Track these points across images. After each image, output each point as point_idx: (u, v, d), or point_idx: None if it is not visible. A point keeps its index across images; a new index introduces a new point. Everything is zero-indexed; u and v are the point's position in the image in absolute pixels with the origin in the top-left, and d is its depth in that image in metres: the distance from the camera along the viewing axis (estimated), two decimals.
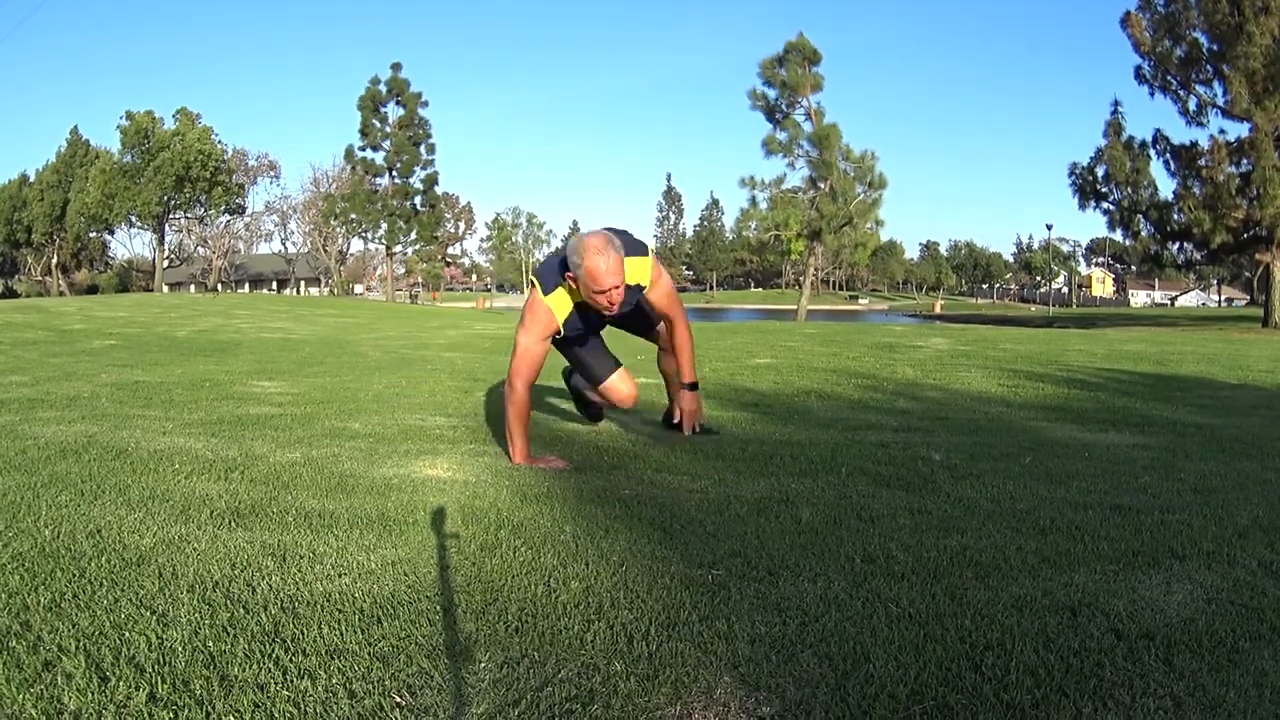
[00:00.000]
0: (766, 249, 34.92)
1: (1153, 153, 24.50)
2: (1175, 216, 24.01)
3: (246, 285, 65.93)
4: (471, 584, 1.80)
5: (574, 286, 2.97)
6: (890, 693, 1.34)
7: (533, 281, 3.08)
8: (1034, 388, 5.50)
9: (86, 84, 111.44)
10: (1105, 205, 25.67)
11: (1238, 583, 1.79)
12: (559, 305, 3.02)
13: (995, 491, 2.64)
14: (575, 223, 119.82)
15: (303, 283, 68.38)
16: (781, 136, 31.48)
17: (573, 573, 1.86)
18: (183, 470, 2.81)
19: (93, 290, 52.36)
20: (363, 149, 44.63)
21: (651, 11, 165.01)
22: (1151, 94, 24.00)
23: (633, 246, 3.01)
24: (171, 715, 1.27)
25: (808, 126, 31.27)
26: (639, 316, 3.37)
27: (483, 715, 1.29)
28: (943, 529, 2.22)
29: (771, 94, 31.55)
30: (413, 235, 46.31)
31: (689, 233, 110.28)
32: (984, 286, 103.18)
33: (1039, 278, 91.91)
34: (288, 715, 1.28)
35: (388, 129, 44.42)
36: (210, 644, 1.48)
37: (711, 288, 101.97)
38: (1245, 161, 22.14)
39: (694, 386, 3.37)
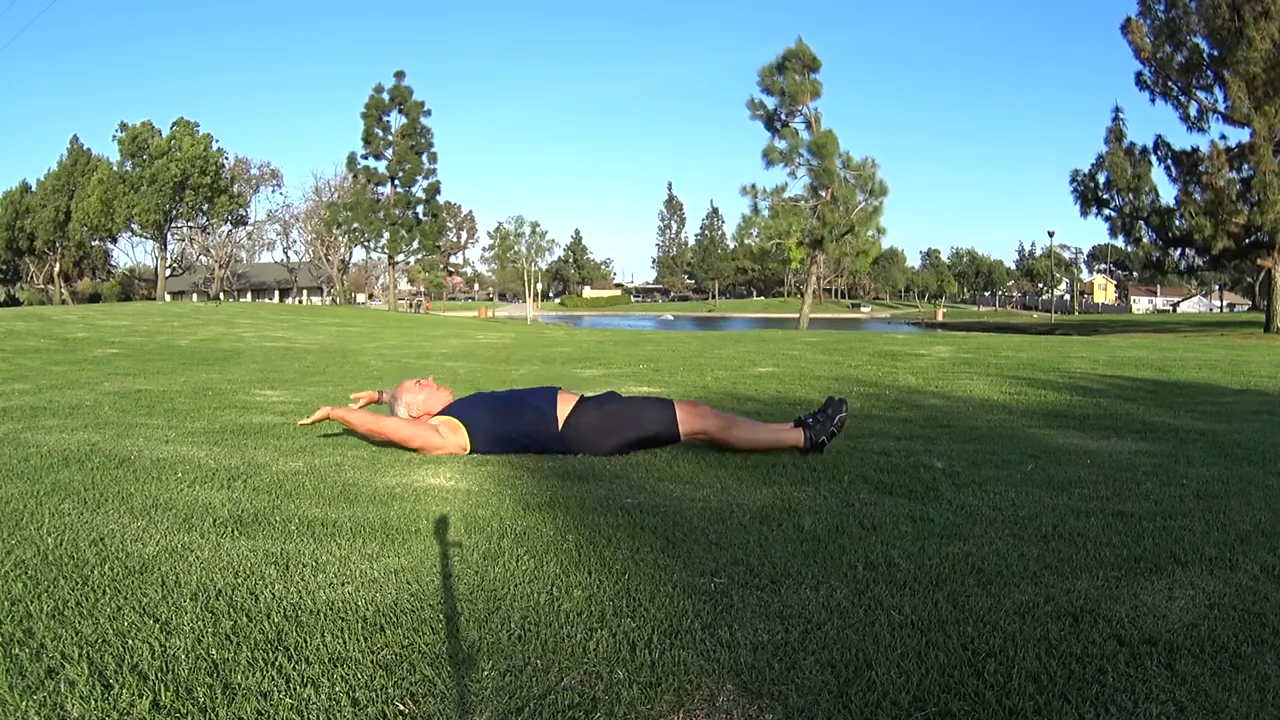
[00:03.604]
0: (768, 257, 34.97)
1: (1154, 159, 24.55)
2: (1177, 222, 24.03)
3: (249, 294, 66.06)
4: (474, 592, 1.80)
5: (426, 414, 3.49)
6: (893, 700, 1.34)
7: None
8: (1036, 395, 5.50)
9: (88, 93, 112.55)
10: (1107, 212, 25.71)
11: (1240, 588, 1.79)
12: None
13: (997, 499, 2.64)
14: (577, 231, 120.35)
15: (305, 292, 68.50)
16: (781, 145, 31.54)
17: (575, 581, 1.87)
18: (185, 479, 2.81)
19: (95, 298, 52.53)
20: (365, 157, 44.80)
21: (652, 21, 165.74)
22: (1152, 100, 24.09)
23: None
24: None
25: (807, 135, 31.33)
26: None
27: None
28: (945, 536, 2.22)
29: (771, 102, 31.63)
30: (415, 244, 46.44)
31: (690, 241, 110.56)
32: (986, 294, 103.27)
33: (1041, 285, 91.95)
34: None
35: (390, 137, 44.58)
36: (213, 652, 1.49)
37: (713, 296, 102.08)
38: (1246, 167, 22.17)
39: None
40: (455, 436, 3.34)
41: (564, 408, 3.36)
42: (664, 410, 3.35)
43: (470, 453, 3.35)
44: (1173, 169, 24.16)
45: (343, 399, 5.39)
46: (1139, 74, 23.92)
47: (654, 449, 3.38)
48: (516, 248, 63.59)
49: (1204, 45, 22.57)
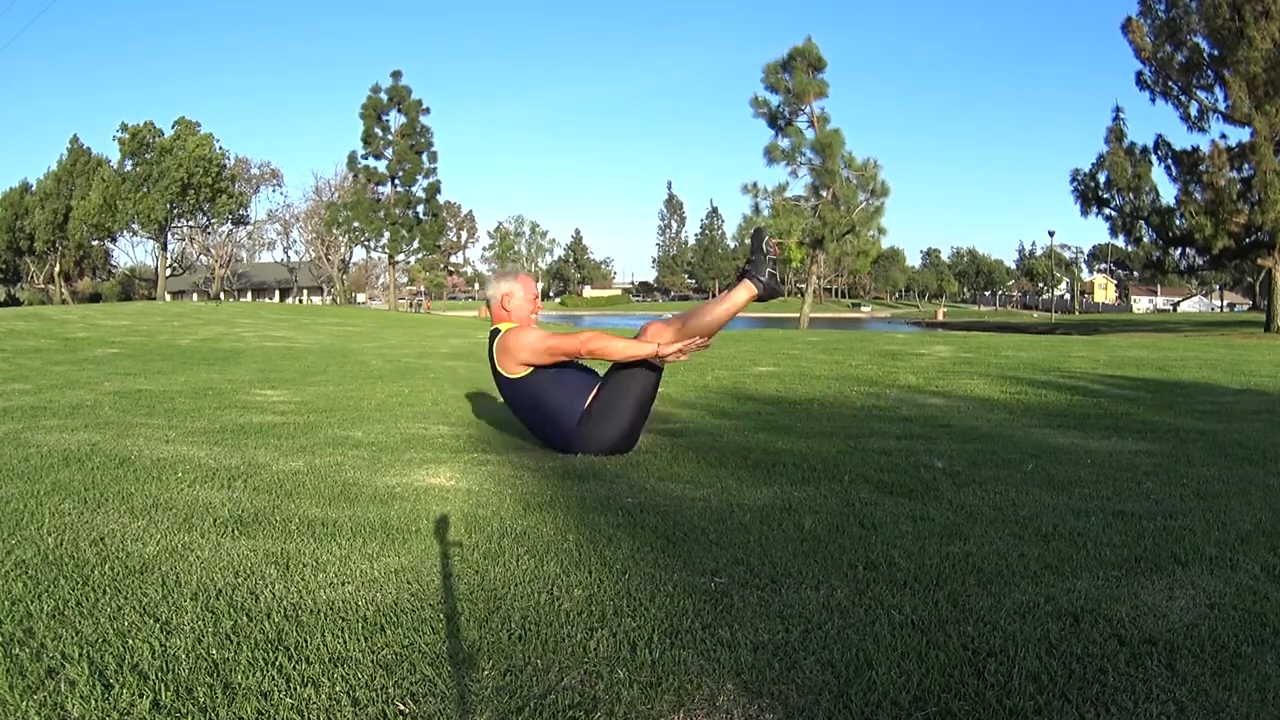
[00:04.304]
0: None
1: (1154, 158, 24.53)
2: (1177, 222, 24.01)
3: (249, 294, 66.01)
4: (475, 592, 1.80)
5: (508, 313, 3.58)
6: (893, 699, 1.34)
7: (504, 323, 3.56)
8: (1036, 394, 5.50)
9: (88, 93, 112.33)
10: (1107, 211, 25.70)
11: (1240, 588, 1.79)
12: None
13: (997, 498, 2.64)
14: (577, 230, 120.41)
15: (305, 291, 68.46)
16: (784, 144, 31.46)
17: (575, 581, 1.87)
18: (186, 478, 2.81)
19: (95, 298, 52.46)
20: (365, 157, 44.71)
21: (652, 21, 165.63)
22: (1153, 99, 24.07)
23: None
24: None
25: (810, 134, 31.29)
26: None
27: None
28: (945, 536, 2.22)
29: (775, 100, 31.55)
30: (415, 244, 46.40)
31: (691, 241, 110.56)
32: (986, 293, 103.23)
33: (1041, 284, 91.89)
34: None
35: (390, 137, 44.52)
36: (213, 652, 1.49)
37: (714, 296, 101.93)
38: (1246, 166, 22.15)
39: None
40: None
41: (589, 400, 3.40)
42: (639, 369, 3.38)
43: (534, 370, 3.40)
44: (1173, 169, 24.14)
45: (344, 398, 5.39)
46: (1139, 74, 23.91)
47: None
48: (516, 247, 63.66)
49: (1204, 45, 22.55)
